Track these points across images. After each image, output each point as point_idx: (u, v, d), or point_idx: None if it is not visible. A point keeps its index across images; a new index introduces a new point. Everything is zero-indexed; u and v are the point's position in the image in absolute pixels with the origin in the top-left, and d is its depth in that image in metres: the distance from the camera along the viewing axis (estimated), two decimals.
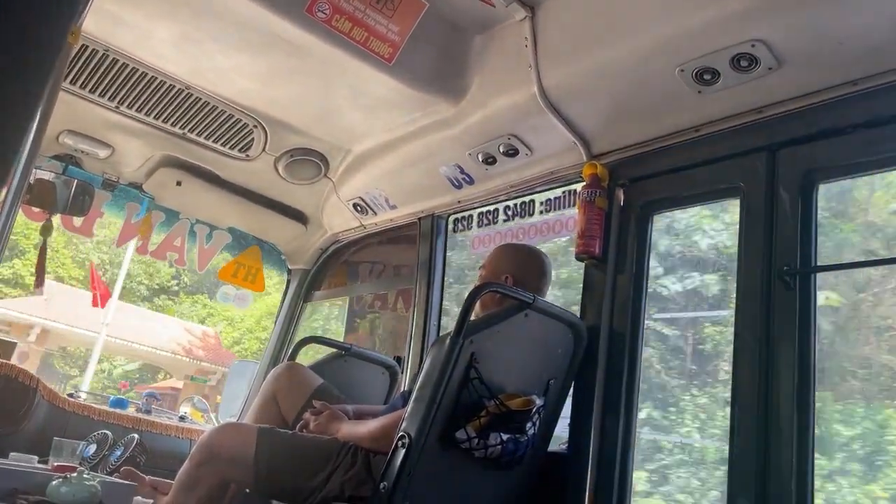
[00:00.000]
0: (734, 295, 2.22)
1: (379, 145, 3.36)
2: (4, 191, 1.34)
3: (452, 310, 3.46)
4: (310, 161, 3.61)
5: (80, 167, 3.62)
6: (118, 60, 2.94)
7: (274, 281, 4.80)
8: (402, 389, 3.12)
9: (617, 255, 2.55)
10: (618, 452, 2.35)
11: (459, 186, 3.21)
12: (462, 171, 3.12)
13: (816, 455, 1.94)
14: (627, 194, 2.60)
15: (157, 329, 20.78)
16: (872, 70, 1.97)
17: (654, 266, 2.76)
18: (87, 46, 2.85)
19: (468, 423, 2.16)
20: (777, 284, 2.08)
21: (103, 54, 2.90)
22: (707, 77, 2.21)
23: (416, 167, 3.28)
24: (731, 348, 2.18)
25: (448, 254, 3.47)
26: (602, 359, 2.46)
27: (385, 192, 3.54)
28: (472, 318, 2.26)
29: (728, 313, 2.29)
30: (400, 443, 2.12)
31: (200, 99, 3.19)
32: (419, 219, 3.53)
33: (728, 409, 2.13)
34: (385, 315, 4.63)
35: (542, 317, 2.37)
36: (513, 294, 2.34)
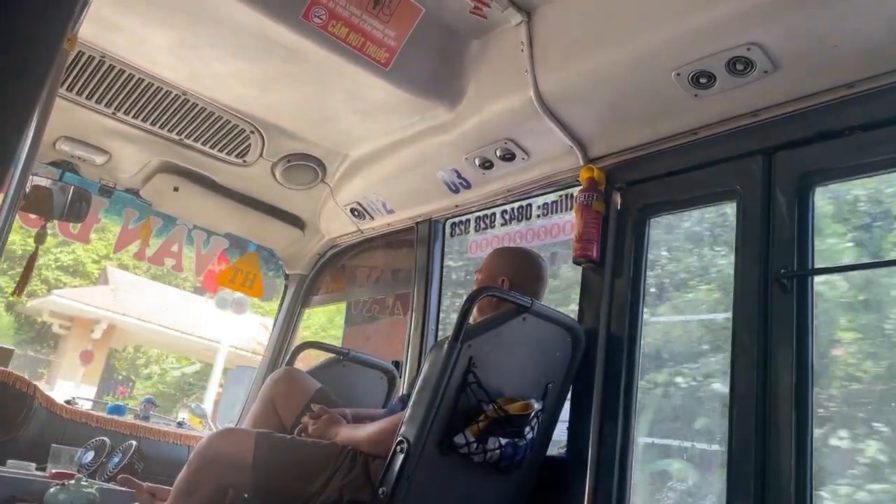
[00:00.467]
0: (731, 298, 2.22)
1: (376, 150, 3.36)
2: (1, 197, 1.34)
3: (450, 314, 3.47)
4: (307, 166, 3.61)
5: (77, 173, 3.62)
6: (115, 67, 2.94)
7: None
8: (400, 394, 3.12)
9: (614, 258, 2.55)
10: (616, 456, 2.35)
11: (456, 191, 3.21)
12: (459, 176, 3.12)
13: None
14: (624, 198, 2.61)
15: (237, 325, 15.84)
16: (868, 73, 1.97)
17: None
18: (84, 53, 2.85)
19: (467, 427, 2.16)
20: (774, 287, 2.08)
21: (100, 61, 2.90)
22: (703, 81, 2.22)
23: (413, 172, 3.28)
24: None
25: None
26: (600, 362, 2.46)
27: (382, 196, 3.54)
28: (470, 322, 2.26)
29: (726, 316, 2.28)
30: (398, 447, 2.12)
31: (197, 105, 3.19)
32: (416, 223, 3.53)
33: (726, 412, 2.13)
34: (383, 319, 4.63)
35: (539, 320, 2.38)
36: (510, 298, 2.35)
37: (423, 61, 2.76)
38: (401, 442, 2.12)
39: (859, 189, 2.42)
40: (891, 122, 1.95)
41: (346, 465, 2.27)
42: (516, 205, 3.14)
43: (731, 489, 2.04)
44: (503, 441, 2.18)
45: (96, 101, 3.15)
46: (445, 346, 2.16)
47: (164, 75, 3.02)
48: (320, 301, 4.37)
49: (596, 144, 2.67)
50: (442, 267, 3.44)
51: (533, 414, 2.25)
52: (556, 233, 3.03)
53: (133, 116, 3.26)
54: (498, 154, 2.89)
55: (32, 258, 3.07)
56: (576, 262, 2.62)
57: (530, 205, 3.09)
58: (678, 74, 2.23)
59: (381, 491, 2.11)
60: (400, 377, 3.31)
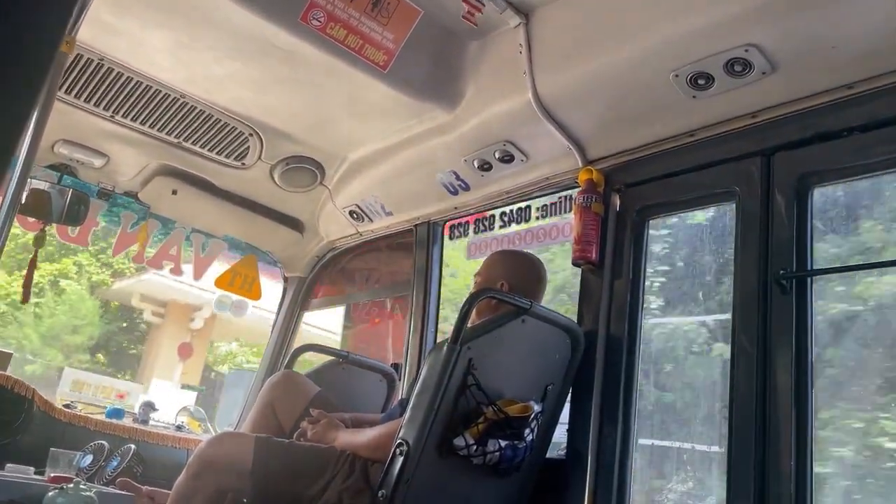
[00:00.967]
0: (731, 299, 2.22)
1: (375, 152, 3.36)
2: None
3: (449, 317, 3.46)
4: (305, 169, 3.61)
5: (76, 177, 3.61)
6: (113, 70, 2.94)
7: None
8: (399, 397, 3.11)
9: (614, 260, 2.55)
10: (616, 458, 2.34)
11: (455, 193, 3.21)
12: (458, 178, 3.12)
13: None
14: (623, 199, 2.61)
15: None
16: (866, 74, 1.97)
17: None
18: (82, 56, 2.85)
19: (466, 429, 2.15)
20: (773, 288, 2.08)
21: (98, 63, 2.90)
22: (701, 82, 2.22)
23: (411, 174, 3.28)
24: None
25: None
26: (600, 364, 2.46)
27: (381, 199, 3.54)
28: (469, 324, 2.25)
29: (725, 317, 2.29)
30: (398, 450, 2.11)
31: (196, 108, 3.19)
32: (415, 226, 3.52)
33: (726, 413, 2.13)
34: (382, 322, 4.63)
35: (539, 322, 2.37)
36: (510, 300, 2.34)
37: (422, 63, 2.76)
38: (400, 444, 2.11)
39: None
40: (889, 123, 1.95)
41: (345, 469, 2.27)
42: (515, 207, 3.14)
43: (731, 490, 2.04)
44: (503, 443, 2.18)
45: (95, 104, 3.14)
46: (445, 348, 2.16)
47: (162, 78, 3.02)
48: (319, 304, 4.36)
49: (595, 146, 2.67)
50: (441, 269, 3.44)
51: (532, 416, 2.25)
52: (555, 235, 3.02)
53: (132, 119, 3.26)
54: (497, 156, 2.89)
55: (33, 262, 3.07)
56: (575, 264, 2.62)
57: (529, 207, 3.09)
58: (676, 76, 2.23)
59: (380, 494, 2.10)
60: (399, 379, 3.31)
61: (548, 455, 2.51)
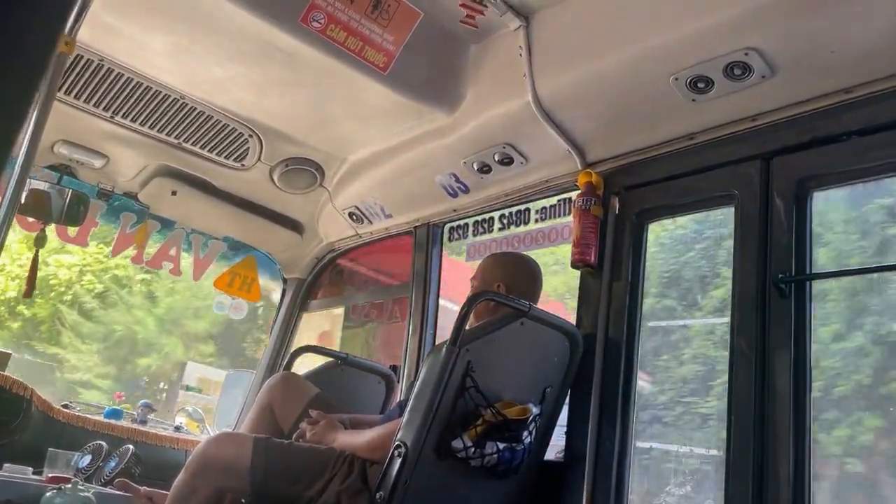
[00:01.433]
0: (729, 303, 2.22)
1: (374, 154, 3.36)
2: None
3: (448, 319, 3.46)
4: (305, 170, 3.61)
5: (75, 177, 3.61)
6: (113, 70, 2.94)
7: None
8: (398, 398, 3.11)
9: (612, 263, 2.56)
10: (614, 461, 2.34)
11: (455, 195, 3.21)
12: (457, 180, 3.13)
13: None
14: (622, 202, 2.61)
15: None
16: (865, 78, 1.98)
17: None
18: (82, 56, 2.85)
19: (464, 431, 2.15)
20: (772, 292, 2.08)
21: (98, 64, 2.90)
22: (701, 85, 2.22)
23: (411, 176, 3.28)
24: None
25: None
26: (598, 367, 2.46)
27: (380, 200, 3.54)
28: (467, 327, 2.25)
29: (724, 321, 2.29)
30: (396, 452, 2.11)
31: (195, 109, 3.19)
32: (415, 227, 3.53)
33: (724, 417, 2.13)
34: (381, 324, 4.63)
35: (537, 325, 2.37)
36: (509, 302, 2.34)
37: (422, 65, 2.76)
38: (398, 446, 2.11)
39: None
40: (888, 127, 1.95)
41: (343, 470, 2.27)
42: (514, 209, 3.14)
43: (729, 493, 2.04)
44: (501, 445, 2.18)
45: (95, 105, 3.15)
46: (443, 350, 2.16)
47: (162, 79, 3.02)
48: (318, 305, 4.36)
49: (594, 149, 2.67)
50: (440, 271, 3.44)
51: (531, 418, 2.25)
52: (554, 237, 3.02)
53: (131, 120, 3.26)
54: (496, 158, 2.89)
55: (34, 261, 3.07)
56: (574, 267, 2.62)
57: (528, 209, 3.09)
58: (676, 79, 2.24)
59: (378, 495, 2.10)
60: (398, 381, 3.31)
61: (546, 457, 2.51)
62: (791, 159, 2.16)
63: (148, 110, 3.19)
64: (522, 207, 3.11)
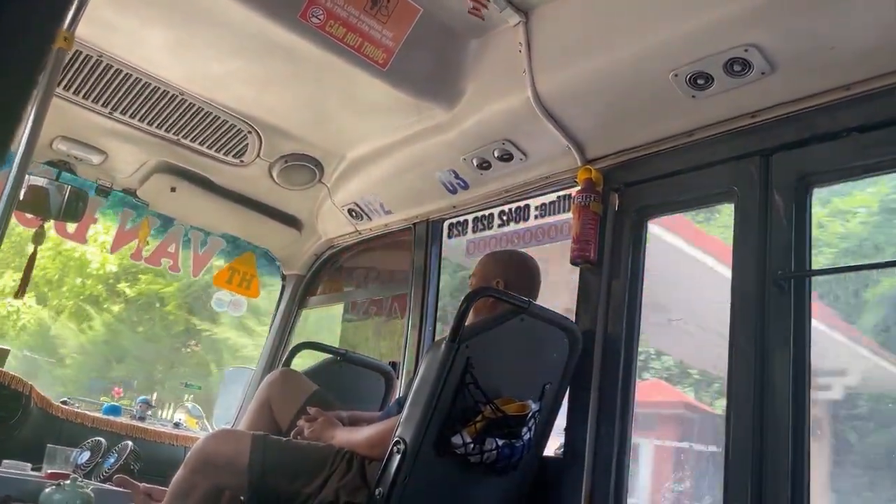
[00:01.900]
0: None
1: (374, 150, 3.36)
2: None
3: (448, 315, 3.46)
4: (304, 166, 3.60)
5: (74, 173, 3.61)
6: (112, 66, 2.93)
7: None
8: (397, 395, 3.11)
9: (612, 259, 2.55)
10: (614, 457, 2.35)
11: (454, 191, 3.21)
12: (457, 176, 3.12)
13: None
14: (622, 199, 2.61)
15: None
16: (865, 74, 1.97)
17: None
18: (81, 52, 2.84)
19: (464, 428, 2.15)
20: (771, 288, 2.08)
21: (97, 60, 2.89)
22: (701, 82, 2.22)
23: (410, 172, 3.28)
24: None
25: None
26: (597, 363, 2.46)
27: (380, 197, 3.54)
28: (467, 324, 2.25)
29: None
30: (395, 448, 2.11)
31: (194, 105, 3.18)
32: (414, 224, 3.52)
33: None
34: (380, 320, 4.63)
35: (537, 321, 2.37)
36: (508, 299, 2.34)
37: (421, 61, 2.75)
38: (397, 442, 2.11)
39: None
40: (888, 124, 1.95)
41: (342, 467, 2.27)
42: (514, 206, 3.13)
43: (729, 489, 2.04)
44: (500, 442, 2.18)
45: (93, 101, 3.14)
46: (443, 346, 2.16)
47: (161, 75, 3.01)
48: (317, 302, 4.36)
49: (594, 145, 2.67)
50: (440, 268, 3.44)
51: (530, 414, 2.25)
52: (553, 234, 3.02)
53: (130, 116, 3.25)
54: (496, 155, 2.89)
55: (32, 258, 3.08)
56: (573, 263, 2.62)
57: (528, 206, 3.09)
58: (676, 75, 2.23)
59: (377, 492, 2.10)
60: (397, 378, 3.31)
61: (545, 453, 2.51)
62: (791, 156, 2.16)
63: (147, 106, 3.19)
64: (522, 204, 3.11)
